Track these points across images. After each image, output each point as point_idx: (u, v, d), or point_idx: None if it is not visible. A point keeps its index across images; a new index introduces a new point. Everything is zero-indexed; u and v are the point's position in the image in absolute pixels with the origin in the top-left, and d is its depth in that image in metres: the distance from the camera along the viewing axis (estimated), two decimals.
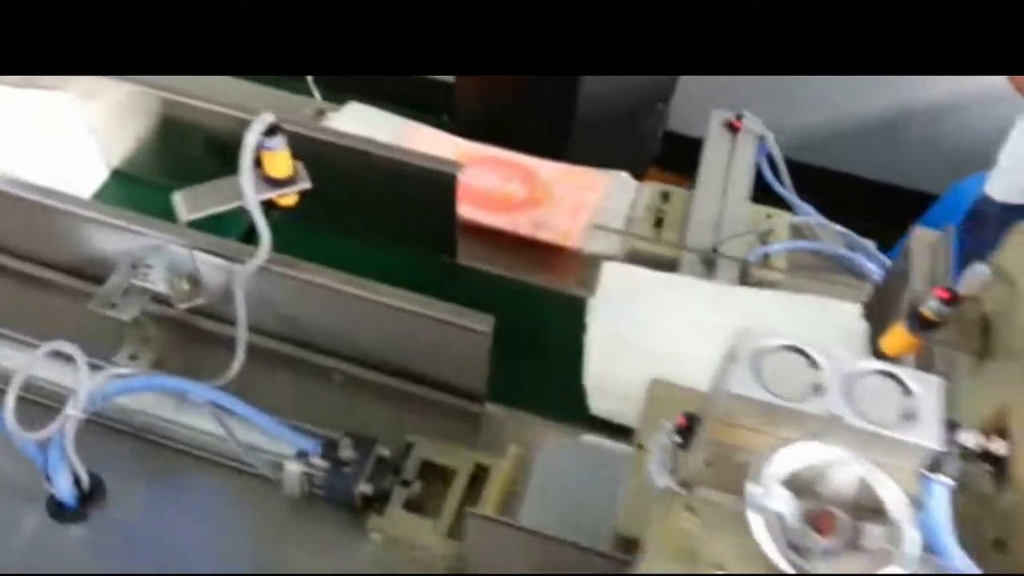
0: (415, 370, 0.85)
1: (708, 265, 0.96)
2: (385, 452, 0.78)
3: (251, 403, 0.77)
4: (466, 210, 1.02)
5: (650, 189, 1.07)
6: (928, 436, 0.44)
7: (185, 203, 0.71)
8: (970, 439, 0.46)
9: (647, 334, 0.82)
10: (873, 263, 0.99)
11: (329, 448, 0.76)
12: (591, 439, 0.75)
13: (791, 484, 0.42)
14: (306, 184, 0.72)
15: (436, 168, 0.84)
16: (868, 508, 0.42)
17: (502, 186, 1.05)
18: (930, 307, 0.62)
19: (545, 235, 1.00)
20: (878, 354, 0.71)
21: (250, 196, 0.69)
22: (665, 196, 1.06)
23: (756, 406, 0.46)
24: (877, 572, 0.39)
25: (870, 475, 0.42)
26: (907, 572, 0.39)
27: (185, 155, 1.04)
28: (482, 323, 0.74)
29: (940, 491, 0.46)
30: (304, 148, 0.78)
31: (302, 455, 0.77)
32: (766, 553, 0.39)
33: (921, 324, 0.63)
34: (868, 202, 1.71)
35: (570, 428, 0.82)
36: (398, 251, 0.98)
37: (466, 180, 1.05)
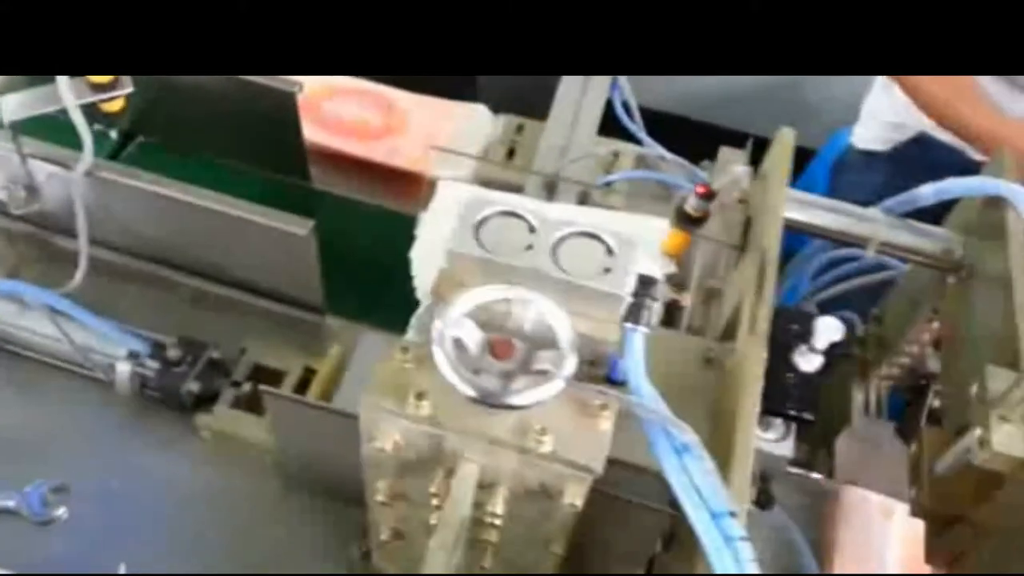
0: (256, 282, 0.89)
1: (550, 189, 1.01)
2: (216, 355, 0.82)
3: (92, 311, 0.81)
4: (325, 138, 1.06)
5: (506, 121, 1.12)
6: (619, 286, 0.50)
7: (8, 107, 0.74)
8: (661, 292, 0.52)
9: None
10: None
11: (159, 349, 0.80)
12: (408, 337, 0.80)
13: (479, 320, 0.48)
14: (128, 88, 0.75)
15: (274, 87, 0.87)
16: (544, 339, 0.47)
17: (360, 115, 1.09)
18: (690, 203, 0.68)
19: (398, 161, 1.05)
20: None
21: (68, 98, 0.72)
22: (520, 128, 1.11)
23: (472, 262, 0.51)
24: (539, 387, 0.44)
25: (547, 310, 0.47)
26: (563, 385, 0.44)
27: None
28: (301, 226, 0.78)
29: (635, 338, 0.52)
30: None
31: (133, 356, 0.80)
32: (446, 376, 0.44)
33: (685, 220, 0.69)
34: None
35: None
36: (255, 177, 1.01)
37: (327, 109, 1.10)
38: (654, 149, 1.10)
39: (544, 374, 0.45)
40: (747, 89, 2.00)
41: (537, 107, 1.14)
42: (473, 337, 0.47)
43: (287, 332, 0.89)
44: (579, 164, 1.04)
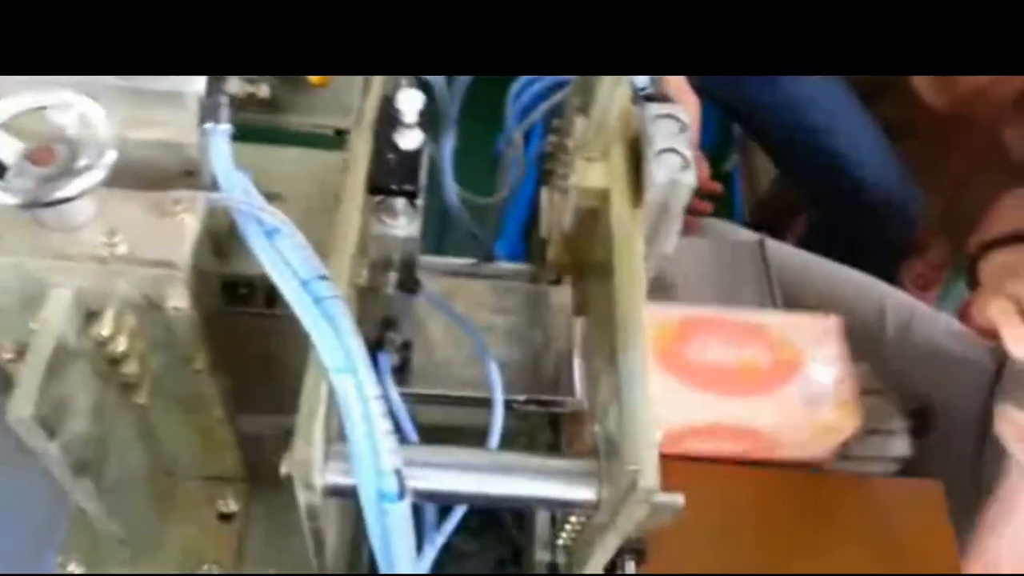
0: None
1: None
2: None
3: None
4: None
5: None
6: (183, 84, 0.49)
7: None
8: (233, 86, 0.52)
9: None
10: None
11: None
12: None
13: (19, 133, 0.46)
14: None
15: None
16: (89, 140, 0.46)
17: None
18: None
19: None
20: None
21: None
22: None
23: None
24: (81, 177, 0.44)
25: (87, 110, 0.46)
26: (104, 174, 0.44)
27: None
28: None
29: (216, 137, 0.52)
30: None
31: None
32: None
33: None
34: None
35: None
36: None
37: None
38: None
39: (88, 169, 0.44)
40: None
41: None
42: (10, 149, 0.45)
43: None
44: None
